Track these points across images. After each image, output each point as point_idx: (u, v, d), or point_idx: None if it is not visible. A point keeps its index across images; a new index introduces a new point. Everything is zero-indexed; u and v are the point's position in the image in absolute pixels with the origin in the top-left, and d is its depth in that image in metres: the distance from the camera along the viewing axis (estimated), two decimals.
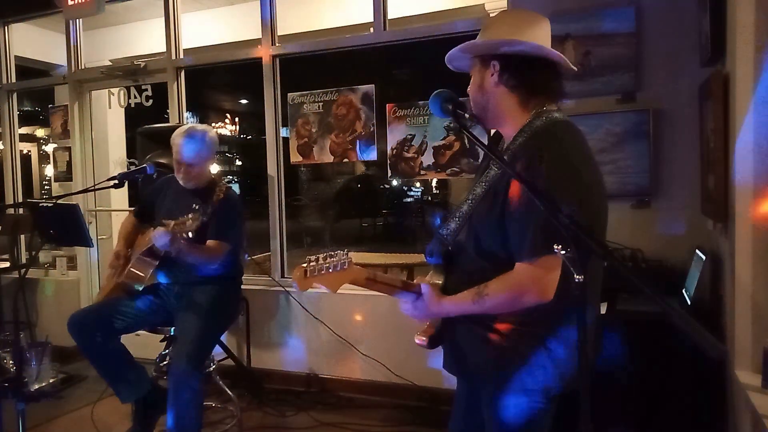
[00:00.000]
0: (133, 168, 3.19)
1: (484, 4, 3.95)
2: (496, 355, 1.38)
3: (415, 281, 1.47)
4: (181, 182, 2.62)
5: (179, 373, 2.34)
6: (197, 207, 2.53)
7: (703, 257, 2.16)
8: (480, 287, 1.32)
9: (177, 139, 2.56)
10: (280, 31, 3.70)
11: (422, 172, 3.43)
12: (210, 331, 2.55)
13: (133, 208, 2.95)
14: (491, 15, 1.49)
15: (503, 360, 1.37)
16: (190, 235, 2.23)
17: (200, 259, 2.52)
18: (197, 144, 2.56)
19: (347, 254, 1.30)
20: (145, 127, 3.60)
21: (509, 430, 1.40)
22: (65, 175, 4.57)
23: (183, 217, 2.25)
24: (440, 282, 1.47)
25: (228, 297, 2.70)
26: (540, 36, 1.39)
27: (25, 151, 7.58)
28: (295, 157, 3.75)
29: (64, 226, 2.69)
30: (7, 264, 4.39)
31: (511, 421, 1.40)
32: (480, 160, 1.69)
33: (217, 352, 3.24)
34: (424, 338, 1.49)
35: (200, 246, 2.48)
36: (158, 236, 2.29)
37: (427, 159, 3.38)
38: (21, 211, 4.51)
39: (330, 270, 1.27)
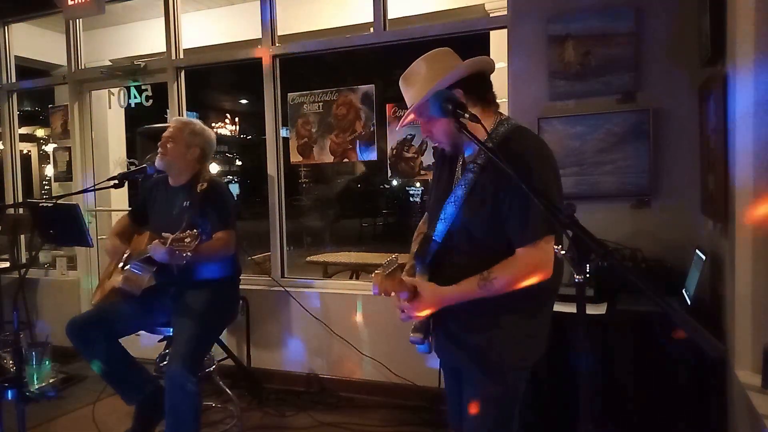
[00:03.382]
0: (133, 168, 3.18)
1: (484, 4, 3.95)
2: (484, 335, 1.54)
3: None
4: (159, 165, 2.61)
5: (174, 375, 2.33)
6: (187, 204, 2.53)
7: (703, 257, 2.16)
8: (484, 274, 1.45)
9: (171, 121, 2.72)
10: (280, 31, 3.69)
11: (422, 172, 3.43)
12: (205, 333, 2.54)
13: (126, 209, 2.94)
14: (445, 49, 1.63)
15: (491, 339, 1.53)
16: (189, 254, 2.19)
17: (212, 258, 2.50)
18: (184, 124, 2.65)
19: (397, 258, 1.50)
20: (145, 127, 3.60)
21: (494, 399, 1.55)
22: (65, 175, 4.56)
23: (181, 233, 2.20)
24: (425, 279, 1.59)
25: (225, 299, 2.68)
26: (457, 58, 1.58)
27: (25, 151, 7.58)
28: (295, 157, 3.74)
29: (64, 226, 2.69)
30: (7, 264, 4.39)
31: (496, 394, 1.55)
32: (436, 162, 1.78)
33: (217, 352, 3.25)
34: (419, 335, 1.58)
35: (207, 245, 2.43)
36: (155, 251, 2.29)
37: (427, 159, 3.38)
38: (21, 211, 4.51)
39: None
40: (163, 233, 2.27)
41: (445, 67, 1.52)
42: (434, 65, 1.54)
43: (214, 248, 2.49)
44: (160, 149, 2.61)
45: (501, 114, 1.58)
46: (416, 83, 1.54)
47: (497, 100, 1.61)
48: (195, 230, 2.19)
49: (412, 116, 1.58)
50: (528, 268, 1.43)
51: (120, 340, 2.62)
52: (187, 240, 2.17)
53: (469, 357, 1.58)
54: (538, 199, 1.17)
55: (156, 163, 2.62)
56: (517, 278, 1.44)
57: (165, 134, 2.63)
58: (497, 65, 1.68)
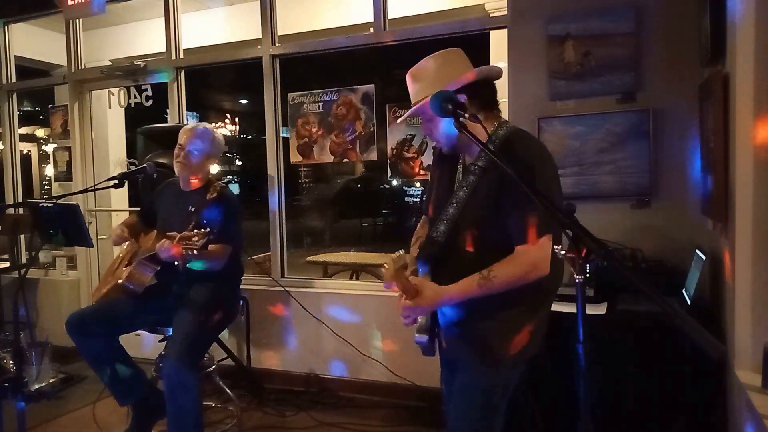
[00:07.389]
0: (133, 168, 3.19)
1: (484, 4, 3.95)
2: (485, 325, 1.56)
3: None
4: (177, 171, 2.64)
5: (171, 369, 2.32)
6: (193, 209, 2.53)
7: (703, 257, 2.16)
8: (484, 273, 1.47)
9: (185, 128, 2.68)
10: (280, 31, 3.70)
11: (422, 172, 3.43)
12: (204, 328, 2.54)
13: (135, 209, 2.95)
14: (447, 51, 1.64)
15: (491, 329, 1.56)
16: (196, 252, 2.25)
17: (205, 264, 2.51)
18: (202, 133, 2.63)
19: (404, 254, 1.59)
20: (145, 127, 3.60)
21: (484, 389, 1.58)
22: (65, 175, 4.57)
23: (189, 232, 2.26)
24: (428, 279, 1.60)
25: (225, 295, 2.69)
26: (468, 62, 1.61)
27: (25, 151, 7.58)
28: (295, 157, 3.75)
29: (64, 226, 2.69)
30: (7, 264, 4.39)
31: (487, 383, 1.58)
32: (434, 162, 1.81)
33: (217, 352, 3.25)
34: (425, 336, 1.58)
35: (204, 252, 2.43)
36: (164, 249, 2.32)
37: (427, 159, 3.38)
38: (21, 211, 4.51)
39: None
40: (168, 233, 2.33)
41: (452, 71, 1.54)
42: (443, 68, 1.55)
43: (207, 257, 2.47)
44: (179, 160, 2.60)
45: (500, 117, 1.62)
46: (422, 81, 1.56)
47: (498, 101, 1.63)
48: (205, 229, 2.24)
49: (412, 111, 1.59)
50: (527, 267, 1.47)
51: (120, 340, 2.62)
52: (195, 239, 2.23)
53: (468, 345, 1.60)
54: (539, 200, 1.19)
55: (176, 170, 2.64)
56: (517, 277, 1.47)
57: (185, 147, 2.60)
58: (497, 65, 1.69)
